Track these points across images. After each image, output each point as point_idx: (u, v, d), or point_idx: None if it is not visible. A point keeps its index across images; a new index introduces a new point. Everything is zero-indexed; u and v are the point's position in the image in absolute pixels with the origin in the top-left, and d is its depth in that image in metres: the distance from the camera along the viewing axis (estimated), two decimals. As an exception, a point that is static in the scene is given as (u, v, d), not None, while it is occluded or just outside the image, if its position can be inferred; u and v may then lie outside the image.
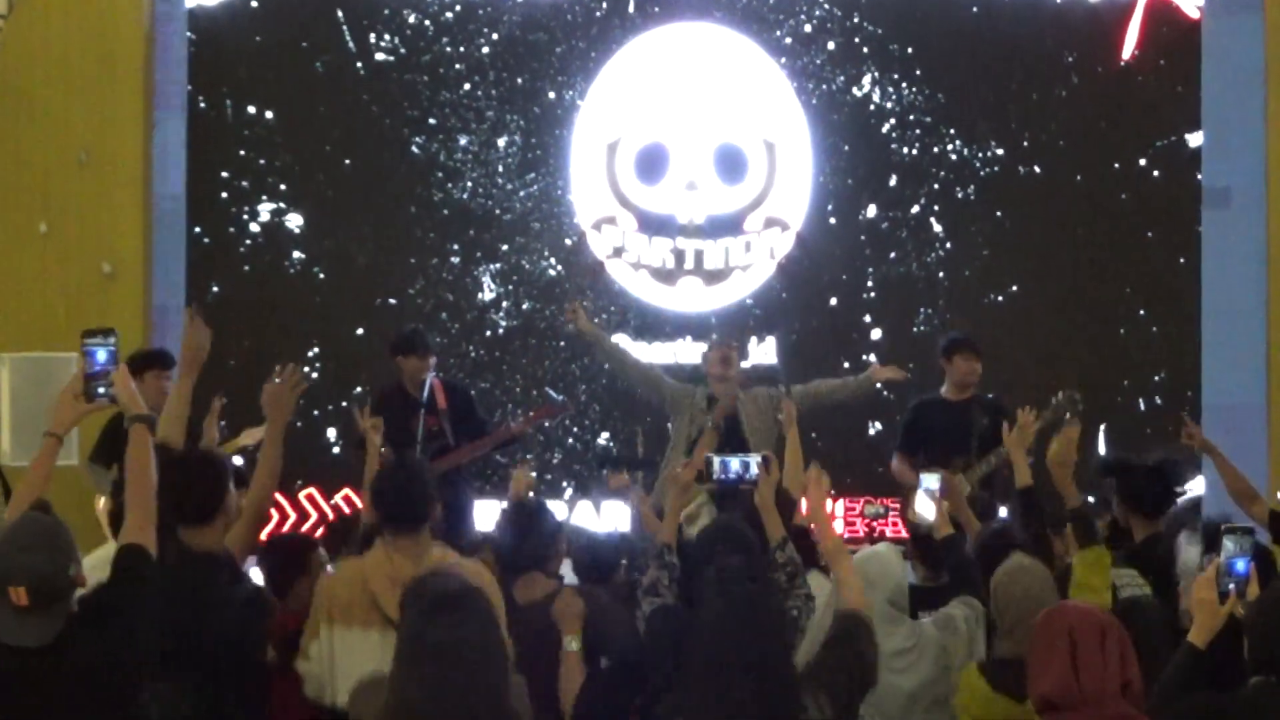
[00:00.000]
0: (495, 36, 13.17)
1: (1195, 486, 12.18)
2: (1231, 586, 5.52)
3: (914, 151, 13.10)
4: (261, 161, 13.19)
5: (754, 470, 6.67)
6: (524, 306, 13.17)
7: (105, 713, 5.16)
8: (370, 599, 6.28)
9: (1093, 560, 7.11)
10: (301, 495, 12.58)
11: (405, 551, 6.35)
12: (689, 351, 12.89)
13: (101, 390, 5.67)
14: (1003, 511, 9.26)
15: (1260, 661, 5.33)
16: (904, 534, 10.54)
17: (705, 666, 5.24)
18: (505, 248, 13.17)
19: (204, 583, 6.26)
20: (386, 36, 13.17)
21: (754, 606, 5.28)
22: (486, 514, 11.17)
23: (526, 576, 7.04)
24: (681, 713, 5.30)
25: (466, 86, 13.18)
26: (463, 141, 13.17)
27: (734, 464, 6.71)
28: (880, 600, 6.79)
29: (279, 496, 12.44)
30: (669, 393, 11.05)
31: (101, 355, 5.67)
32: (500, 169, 13.17)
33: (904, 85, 13.09)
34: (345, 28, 13.15)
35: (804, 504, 7.10)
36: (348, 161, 13.19)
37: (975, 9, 13.11)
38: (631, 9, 13.23)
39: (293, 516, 12.55)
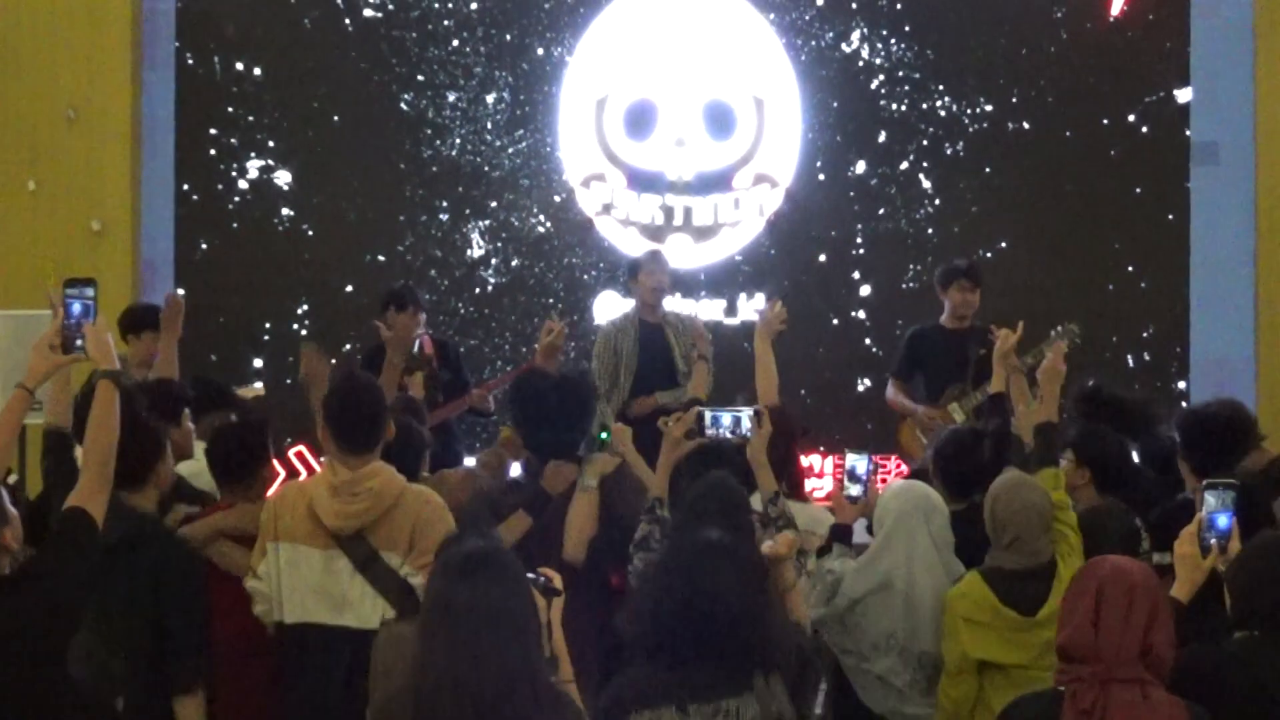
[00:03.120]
0: (483, -8, 13.17)
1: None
2: (1213, 541, 5.54)
3: (903, 107, 13.08)
4: (250, 118, 13.17)
5: (745, 425, 6.68)
6: (513, 263, 13.17)
7: (24, 682, 5.02)
8: (313, 515, 6.22)
9: (1050, 480, 7.12)
10: (291, 453, 12.56)
11: (349, 465, 6.26)
12: (678, 308, 12.83)
13: (79, 342, 5.45)
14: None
15: (1243, 616, 5.35)
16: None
17: (646, 643, 5.27)
18: (494, 204, 13.17)
19: (136, 541, 6.22)
20: (375, -8, 13.16)
21: (707, 593, 5.26)
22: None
23: (553, 465, 6.97)
24: (624, 694, 5.31)
25: (455, 43, 13.15)
26: (451, 98, 13.15)
27: (725, 418, 6.72)
28: (940, 527, 6.80)
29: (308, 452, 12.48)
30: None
31: (76, 307, 5.46)
32: (489, 125, 13.16)
33: (893, 41, 13.07)
34: (333, -16, 13.14)
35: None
36: (336, 118, 13.17)
37: (964, -36, 13.13)
38: (620, -36, 13.23)
39: (282, 474, 12.52)
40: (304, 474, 12.26)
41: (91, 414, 5.38)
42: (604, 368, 10.70)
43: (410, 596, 5.91)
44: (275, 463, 7.76)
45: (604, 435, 9.53)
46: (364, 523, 6.18)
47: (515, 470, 7.96)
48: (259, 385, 11.45)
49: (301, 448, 12.41)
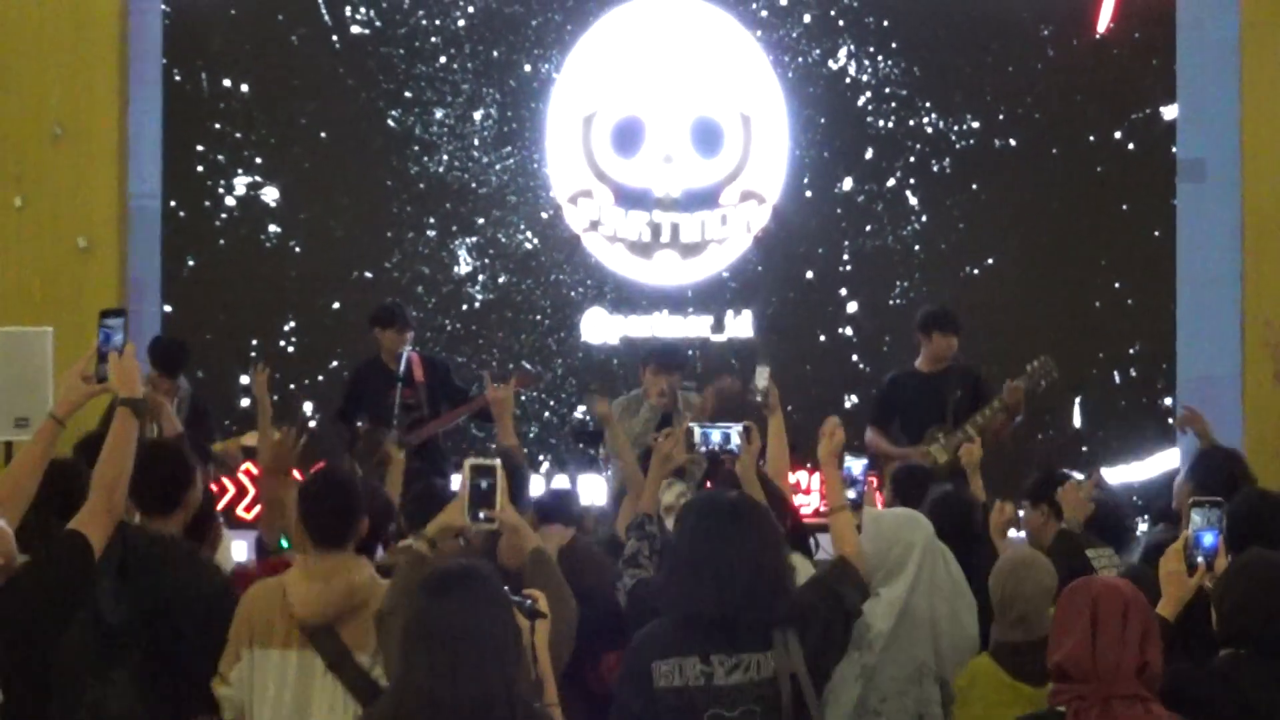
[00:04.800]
0: (471, 9, 13.15)
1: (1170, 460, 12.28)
2: (1200, 559, 5.56)
3: (890, 124, 13.10)
4: (237, 135, 13.16)
5: (735, 441, 6.68)
6: (500, 280, 13.17)
7: None
8: (289, 618, 6.04)
9: None
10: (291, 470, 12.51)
11: (325, 564, 6.08)
12: (665, 325, 12.91)
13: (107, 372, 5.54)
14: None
15: (1229, 634, 5.37)
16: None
17: (674, 595, 5.31)
18: (481, 221, 13.16)
19: (169, 564, 6.10)
20: (362, 9, 13.13)
21: (734, 540, 5.33)
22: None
23: (507, 539, 6.62)
24: (648, 644, 5.34)
25: (442, 59, 13.16)
26: (439, 115, 13.15)
27: (714, 435, 6.71)
28: (950, 553, 6.77)
29: (255, 470, 12.44)
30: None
31: (105, 337, 5.54)
32: (476, 142, 13.16)
33: (880, 58, 13.09)
34: (320, 1, 13.12)
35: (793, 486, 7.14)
36: (323, 135, 13.17)
37: (951, -19, 13.15)
38: (607, -19, 13.24)
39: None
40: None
41: (108, 440, 5.40)
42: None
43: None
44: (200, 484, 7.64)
45: None
46: (337, 612, 6.04)
47: None
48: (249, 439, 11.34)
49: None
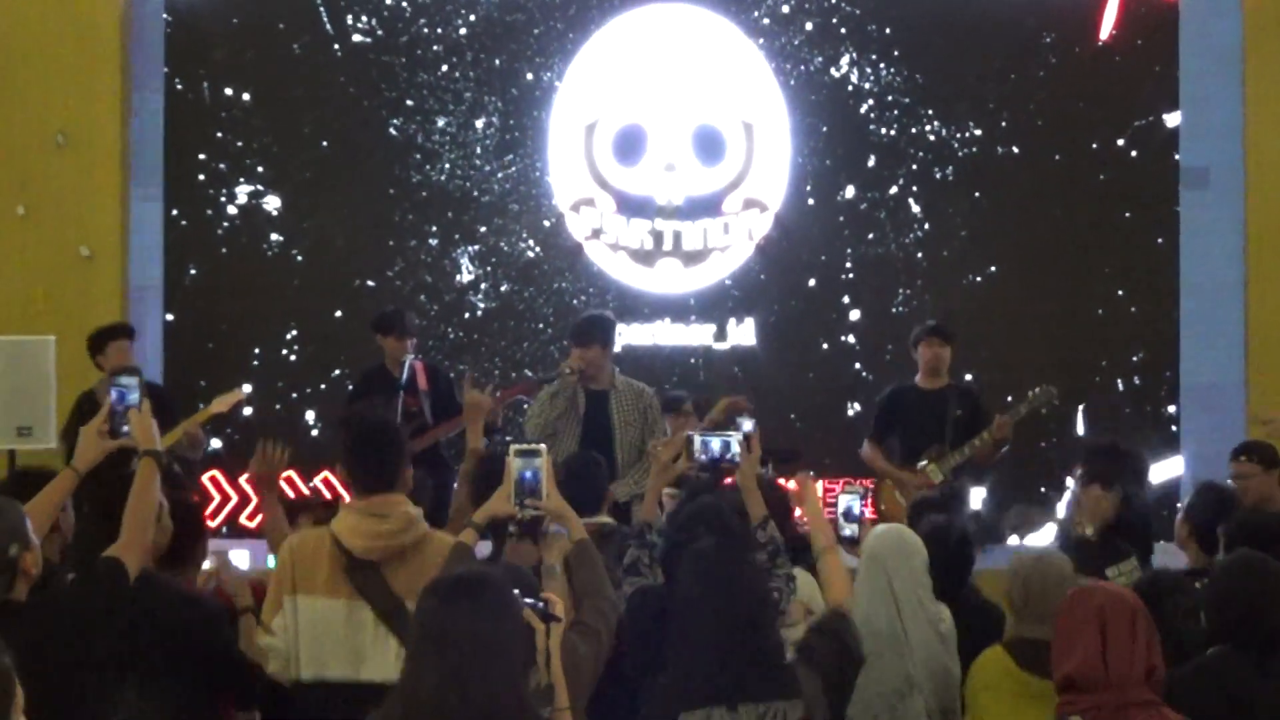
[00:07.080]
0: (473, 18, 13.15)
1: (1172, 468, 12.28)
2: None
3: (892, 132, 13.08)
4: (239, 143, 13.16)
5: (734, 449, 6.67)
6: (502, 288, 13.16)
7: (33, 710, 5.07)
8: (336, 565, 6.00)
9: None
10: (280, 478, 12.49)
11: (375, 508, 6.04)
12: (667, 333, 12.90)
13: (125, 428, 6.03)
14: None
15: (1217, 632, 5.48)
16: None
17: (689, 647, 5.28)
18: (483, 229, 13.16)
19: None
20: (364, 18, 13.14)
21: (730, 584, 5.32)
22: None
23: (512, 546, 6.54)
24: (673, 696, 5.33)
25: (444, 68, 13.16)
26: (440, 123, 13.15)
27: (714, 444, 6.70)
28: (923, 571, 6.76)
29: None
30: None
31: (120, 395, 6.06)
32: (478, 150, 13.15)
33: (882, 66, 13.08)
34: (322, 9, 13.13)
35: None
36: (325, 143, 13.17)
37: (953, -11, 13.14)
38: (609, -10, 13.24)
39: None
40: (293, 498, 12.23)
41: (133, 487, 5.80)
42: (535, 431, 10.22)
43: None
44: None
45: None
46: (393, 545, 5.96)
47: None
48: (246, 388, 11.46)
49: (291, 473, 12.34)
